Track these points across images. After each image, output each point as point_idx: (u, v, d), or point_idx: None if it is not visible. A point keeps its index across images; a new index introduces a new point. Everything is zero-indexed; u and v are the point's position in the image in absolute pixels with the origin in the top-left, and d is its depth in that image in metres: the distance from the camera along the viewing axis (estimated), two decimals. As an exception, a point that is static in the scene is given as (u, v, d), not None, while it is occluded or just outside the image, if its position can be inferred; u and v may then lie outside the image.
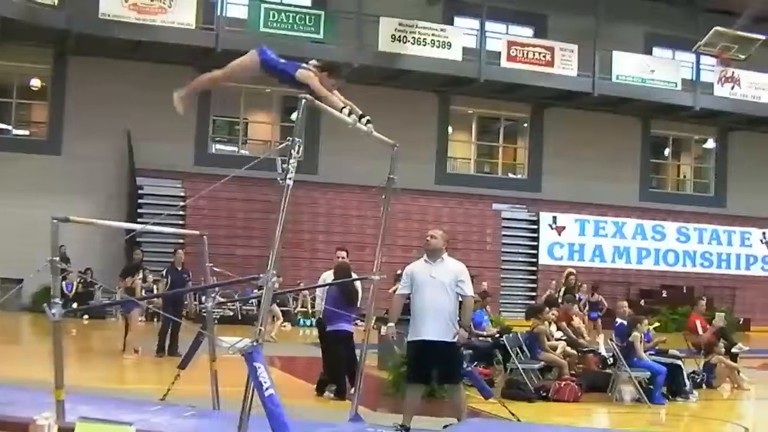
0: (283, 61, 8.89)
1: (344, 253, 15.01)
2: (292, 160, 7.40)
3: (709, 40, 35.25)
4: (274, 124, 37.80)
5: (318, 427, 10.00)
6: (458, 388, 10.74)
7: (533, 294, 36.56)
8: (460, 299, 10.41)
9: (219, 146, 37.88)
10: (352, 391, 14.06)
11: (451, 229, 36.64)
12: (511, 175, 41.92)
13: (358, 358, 11.73)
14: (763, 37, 35.72)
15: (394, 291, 11.60)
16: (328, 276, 14.62)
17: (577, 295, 22.69)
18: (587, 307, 25.24)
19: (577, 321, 18.94)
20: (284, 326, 27.56)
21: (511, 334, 16.33)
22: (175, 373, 11.71)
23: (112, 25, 31.39)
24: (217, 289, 13.59)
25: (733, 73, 40.66)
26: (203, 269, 11.53)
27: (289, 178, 7.37)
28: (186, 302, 19.81)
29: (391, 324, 10.64)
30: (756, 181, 42.21)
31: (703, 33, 35.23)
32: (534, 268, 39.09)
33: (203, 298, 15.15)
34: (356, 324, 14.51)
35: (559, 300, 19.74)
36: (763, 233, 43.16)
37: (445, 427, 9.69)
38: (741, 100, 40.57)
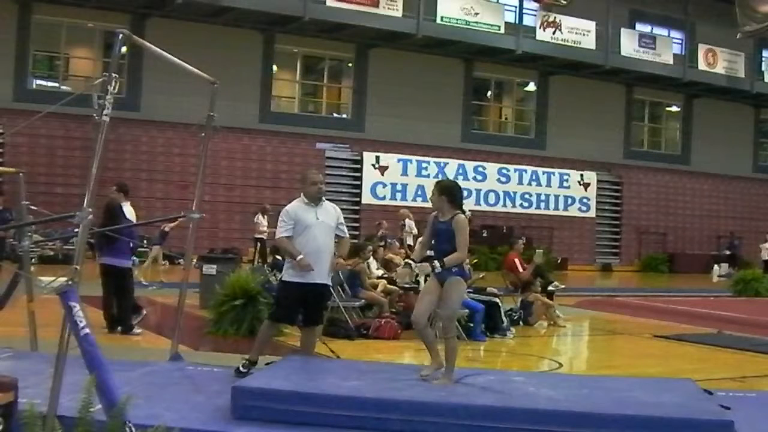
0: None
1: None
2: (108, 96, 7.11)
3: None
4: (96, 59, 36.15)
5: (137, 367, 9.72)
6: (319, 329, 10.88)
7: (356, 233, 36.61)
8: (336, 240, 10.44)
9: (39, 82, 36.29)
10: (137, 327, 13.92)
11: (275, 167, 36.75)
12: (335, 115, 41.88)
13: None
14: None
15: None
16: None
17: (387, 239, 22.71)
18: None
19: (398, 260, 19.01)
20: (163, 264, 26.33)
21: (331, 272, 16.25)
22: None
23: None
24: (33, 227, 13.12)
25: (554, 18, 41.38)
26: (20, 208, 11.11)
27: (105, 115, 7.08)
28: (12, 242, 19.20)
29: (302, 255, 10.14)
30: (574, 124, 43.30)
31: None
32: (357, 207, 39.27)
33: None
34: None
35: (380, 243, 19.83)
36: (581, 175, 44.29)
37: (267, 364, 9.59)
38: (562, 44, 41.40)
